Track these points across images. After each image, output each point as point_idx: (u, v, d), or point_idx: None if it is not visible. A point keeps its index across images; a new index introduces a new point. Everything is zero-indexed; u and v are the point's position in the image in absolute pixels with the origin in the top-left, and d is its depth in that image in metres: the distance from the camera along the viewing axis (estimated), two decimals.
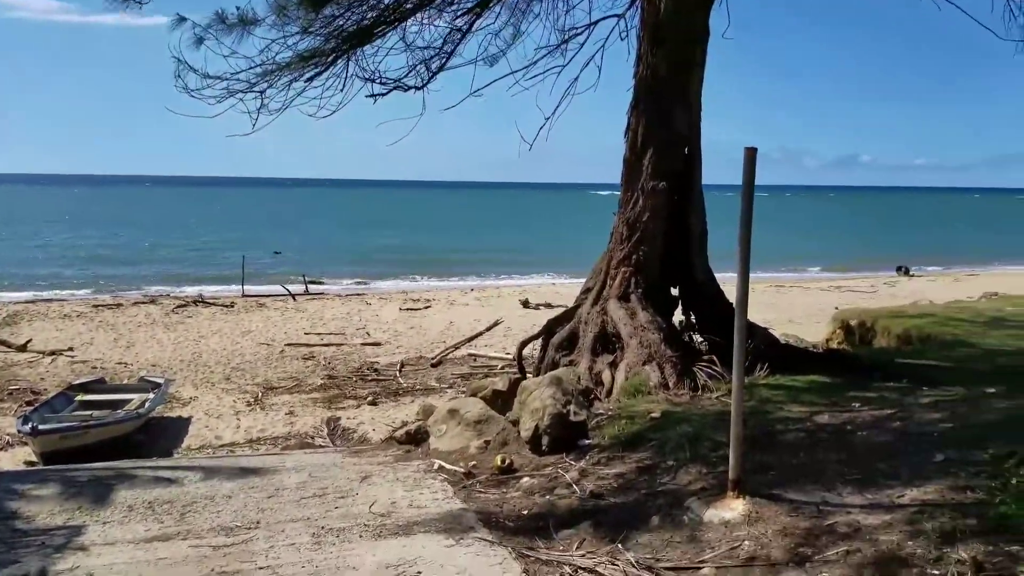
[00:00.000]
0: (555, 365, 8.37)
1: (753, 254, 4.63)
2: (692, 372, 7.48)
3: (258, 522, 5.09)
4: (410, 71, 8.76)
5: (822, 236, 59.26)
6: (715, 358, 7.70)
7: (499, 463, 6.31)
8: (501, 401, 7.96)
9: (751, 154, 4.57)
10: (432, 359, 16.25)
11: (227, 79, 7.96)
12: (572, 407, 6.71)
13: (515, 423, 6.93)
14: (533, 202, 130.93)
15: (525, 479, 6.04)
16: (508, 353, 15.22)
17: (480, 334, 18.73)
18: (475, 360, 16.34)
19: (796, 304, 26.16)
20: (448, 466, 6.58)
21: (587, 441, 6.50)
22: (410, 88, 8.76)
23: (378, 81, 8.69)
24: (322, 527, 4.97)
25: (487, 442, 6.94)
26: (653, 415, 6.60)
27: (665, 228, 8.46)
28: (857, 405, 6.70)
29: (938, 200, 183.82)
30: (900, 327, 10.69)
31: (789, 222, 66.66)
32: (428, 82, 8.80)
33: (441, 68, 8.88)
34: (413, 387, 14.10)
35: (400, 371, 15.25)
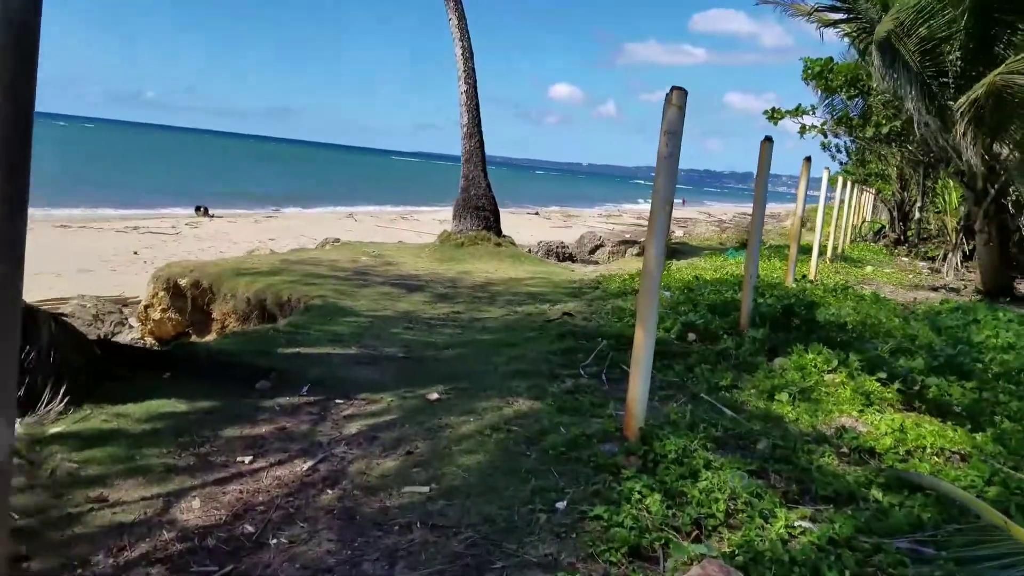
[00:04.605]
0: None
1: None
2: None
3: None
4: None
5: (111, 172, 53.28)
6: None
7: None
8: None
9: None
10: None
11: None
12: None
13: None
14: None
15: None
16: None
17: None
18: None
19: (88, 249, 21.53)
20: None
21: None
22: None
23: None
24: None
25: None
26: None
27: None
28: (248, 460, 3.64)
29: (224, 143, 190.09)
30: (250, 288, 7.97)
31: (71, 155, 58.21)
32: None
33: None
34: None
35: None
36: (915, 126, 11.48)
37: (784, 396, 4.42)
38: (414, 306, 7.52)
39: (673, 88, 3.42)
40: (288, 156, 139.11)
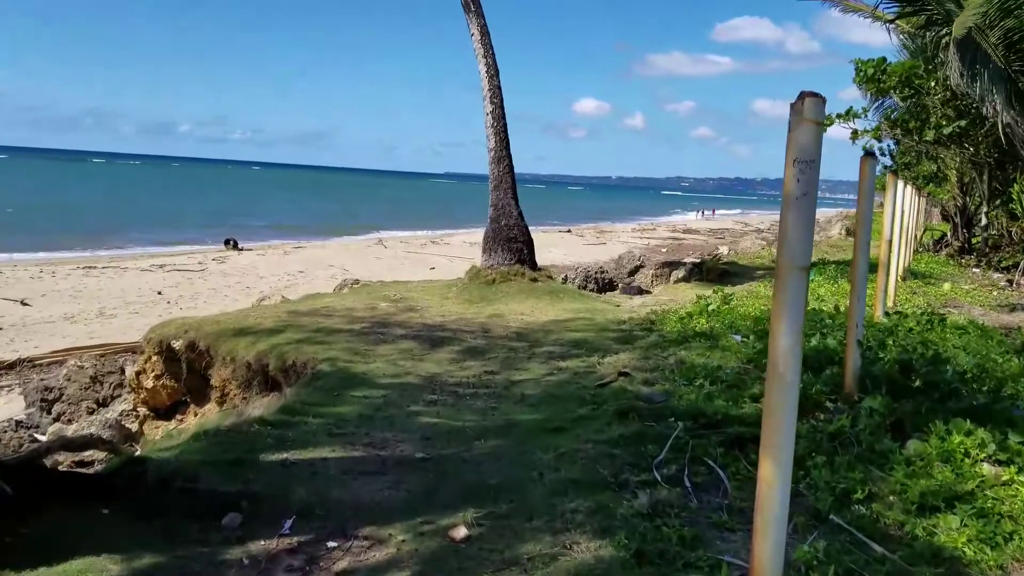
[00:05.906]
0: None
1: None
2: None
3: None
4: None
5: (142, 208, 53.35)
6: None
7: None
8: None
9: None
10: None
11: None
12: None
13: None
14: None
15: None
16: None
17: None
18: None
19: (110, 289, 20.91)
20: None
21: None
22: None
23: None
24: None
25: None
26: None
27: None
28: None
29: (255, 174, 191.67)
30: (251, 350, 6.89)
31: (106, 192, 58.81)
32: None
33: None
34: None
35: None
36: (999, 126, 10.16)
37: (952, 521, 3.15)
38: (439, 366, 6.35)
39: (804, 94, 2.21)
40: (319, 183, 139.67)
